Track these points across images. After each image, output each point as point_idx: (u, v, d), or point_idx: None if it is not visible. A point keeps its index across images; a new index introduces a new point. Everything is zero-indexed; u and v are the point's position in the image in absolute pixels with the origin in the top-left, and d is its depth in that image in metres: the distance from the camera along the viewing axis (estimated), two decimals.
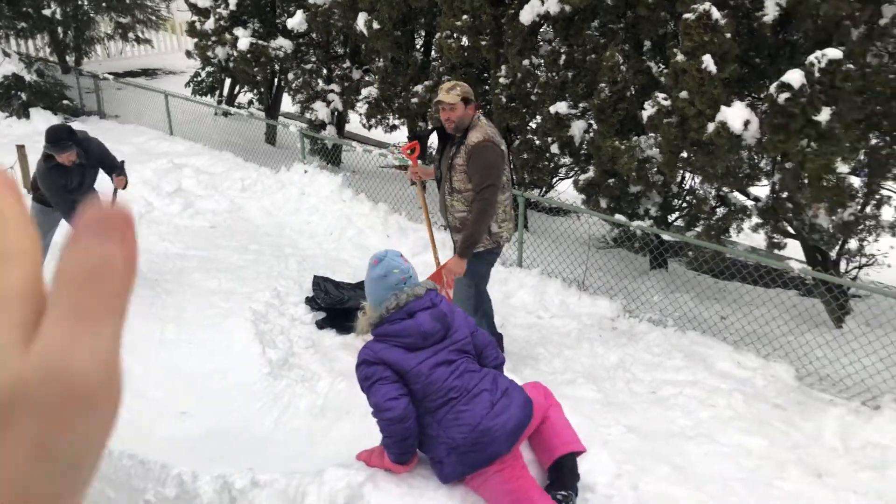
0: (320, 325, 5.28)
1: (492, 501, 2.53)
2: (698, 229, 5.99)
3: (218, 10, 9.48)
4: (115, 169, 5.32)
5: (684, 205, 6.59)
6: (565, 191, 8.20)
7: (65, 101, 11.13)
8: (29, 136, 9.55)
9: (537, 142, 7.04)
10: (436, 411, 2.58)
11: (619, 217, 5.84)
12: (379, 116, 8.67)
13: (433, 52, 8.38)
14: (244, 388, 4.36)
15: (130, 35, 13.57)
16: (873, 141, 5.28)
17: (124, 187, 5.37)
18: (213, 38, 9.73)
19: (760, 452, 3.93)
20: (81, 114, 11.37)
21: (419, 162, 4.81)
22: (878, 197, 5.36)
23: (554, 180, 7.93)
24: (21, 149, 7.06)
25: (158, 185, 7.64)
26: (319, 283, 5.70)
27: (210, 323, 5.10)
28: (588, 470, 2.76)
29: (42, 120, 10.49)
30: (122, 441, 3.70)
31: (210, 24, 9.66)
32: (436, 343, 2.68)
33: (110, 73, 11.37)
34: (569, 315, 5.57)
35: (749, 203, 6.01)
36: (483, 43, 7.08)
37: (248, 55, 9.13)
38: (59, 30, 12.32)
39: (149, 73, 15.04)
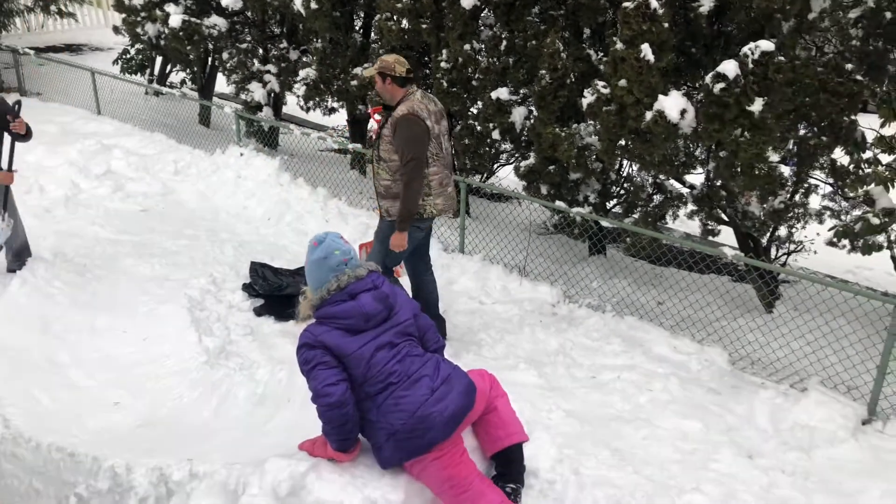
0: (258, 312, 5.16)
1: (432, 487, 2.52)
2: (636, 216, 6.11)
3: None
4: (9, 111, 4.90)
5: (622, 192, 6.71)
6: (506, 177, 8.24)
7: None
8: None
9: (478, 127, 7.04)
10: (375, 396, 2.54)
11: (559, 204, 5.89)
12: (317, 99, 8.51)
13: (373, 34, 8.27)
14: (181, 377, 4.22)
15: (52, 8, 12.88)
16: (802, 131, 5.48)
17: (25, 133, 4.98)
18: (143, 14, 9.35)
19: (696, 435, 4.04)
20: (1, 90, 10.78)
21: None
22: (806, 186, 5.56)
23: (495, 166, 7.96)
24: None
25: (86, 167, 7.32)
26: (257, 269, 5.57)
27: (144, 310, 4.92)
28: (531, 455, 2.79)
29: None
30: (51, 433, 3.56)
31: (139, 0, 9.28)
32: (377, 325, 2.65)
33: (31, 48, 10.80)
34: (510, 301, 5.61)
35: (685, 191, 6.15)
36: (424, 26, 7.02)
37: (181, 33, 8.80)
38: None
39: (73, 48, 14.36)
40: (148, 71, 11.47)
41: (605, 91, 5.62)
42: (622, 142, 5.70)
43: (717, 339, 5.18)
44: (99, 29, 15.37)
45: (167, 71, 11.44)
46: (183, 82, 10.83)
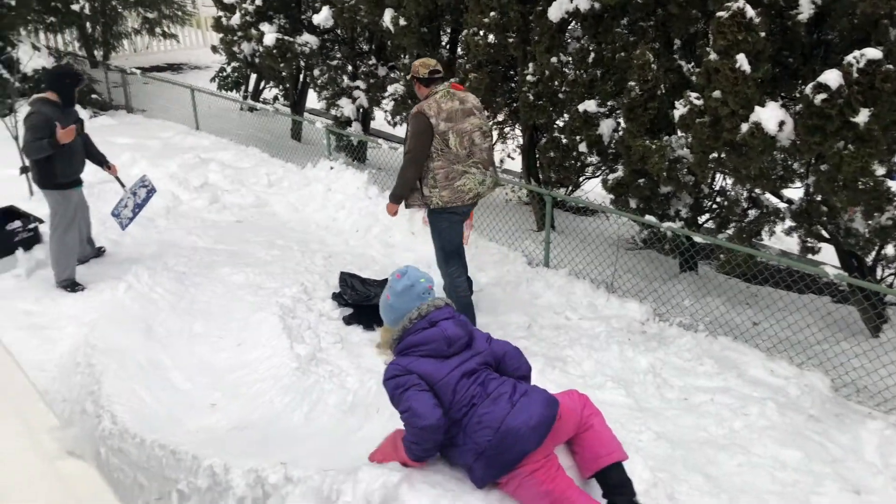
0: (347, 321, 5.27)
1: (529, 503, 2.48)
2: (730, 231, 5.91)
3: (244, 5, 9.52)
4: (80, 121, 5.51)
5: (715, 206, 6.50)
6: (592, 190, 8.14)
7: (93, 96, 11.22)
8: None
9: (564, 140, 6.98)
10: (460, 420, 2.54)
11: (649, 218, 5.77)
12: (404, 114, 8.65)
13: (459, 49, 8.35)
14: (273, 382, 4.35)
15: (157, 30, 13.68)
16: None
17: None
18: (239, 34, 9.76)
19: (796, 465, 3.85)
20: (109, 108, 11.46)
21: None
22: None
23: (581, 179, 7.87)
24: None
25: (185, 180, 7.68)
26: (346, 279, 5.69)
27: (238, 317, 5.11)
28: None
29: None
30: (154, 430, 3.72)
31: (236, 20, 9.70)
32: (460, 351, 2.67)
33: (137, 68, 11.46)
34: (597, 317, 5.51)
35: (782, 206, 5.91)
36: (510, 40, 7.04)
37: (274, 51, 9.14)
38: (88, 24, 12.43)
39: (175, 67, 15.15)
40: (243, 88, 11.95)
41: (699, 102, 5.47)
42: (716, 154, 5.53)
43: (818, 363, 4.93)
44: (198, 49, 16.16)
45: (261, 87, 11.90)
46: (276, 98, 11.22)
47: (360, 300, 5.45)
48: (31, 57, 9.91)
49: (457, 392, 2.55)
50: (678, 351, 5.06)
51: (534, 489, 2.41)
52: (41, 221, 6.19)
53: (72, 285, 5.44)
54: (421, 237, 6.68)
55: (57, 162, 5.29)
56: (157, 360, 4.56)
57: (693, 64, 6.04)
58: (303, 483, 2.59)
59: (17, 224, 6.08)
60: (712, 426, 4.22)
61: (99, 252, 6.03)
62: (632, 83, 6.08)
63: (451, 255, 5.02)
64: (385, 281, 5.79)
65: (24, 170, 6.91)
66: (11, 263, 5.71)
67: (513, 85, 7.81)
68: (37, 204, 6.72)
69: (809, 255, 5.82)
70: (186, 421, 4.01)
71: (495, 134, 9.75)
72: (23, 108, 9.48)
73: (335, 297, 5.54)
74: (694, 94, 5.53)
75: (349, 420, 3.74)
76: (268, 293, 5.43)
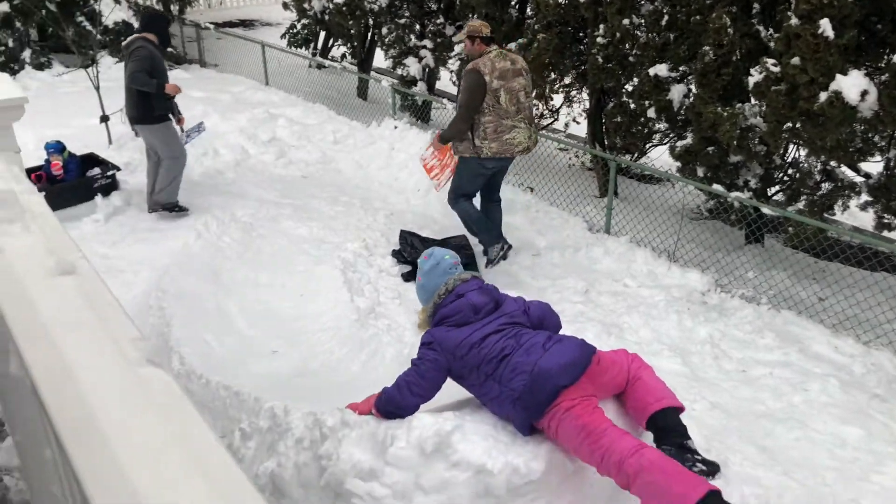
0: (406, 277, 5.36)
1: (570, 443, 2.44)
2: (800, 205, 5.72)
3: None
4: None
5: (786, 178, 6.30)
6: (658, 157, 7.97)
7: (169, 49, 11.50)
8: None
9: (632, 105, 6.84)
10: (494, 372, 2.61)
11: (716, 187, 5.63)
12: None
13: (528, 10, 8.22)
14: (332, 333, 4.48)
15: None
16: None
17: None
18: None
19: (857, 443, 3.77)
20: (184, 62, 11.75)
21: None
22: None
23: (647, 146, 7.71)
24: None
25: (254, 134, 7.85)
26: (406, 237, 5.77)
27: (301, 269, 5.26)
28: None
29: None
30: (219, 373, 3.90)
31: None
32: (486, 315, 2.81)
33: (211, 23, 11.67)
34: (657, 285, 5.45)
35: (858, 179, 5.68)
36: (581, 0, 6.89)
37: (344, 8, 9.18)
38: None
39: (246, 23, 15.38)
40: (312, 45, 12.05)
41: (776, 69, 5.28)
42: (790, 124, 5.34)
43: (887, 342, 4.77)
44: (269, 5, 16.31)
45: (329, 45, 11.98)
46: (343, 56, 11.29)
47: (418, 258, 5.51)
48: (112, 10, 10.21)
49: (483, 348, 2.67)
50: (739, 323, 4.97)
51: (571, 424, 2.42)
52: (119, 169, 6.45)
53: (178, 208, 5.96)
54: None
55: (154, 98, 5.71)
56: (224, 306, 4.75)
57: (772, 29, 5.81)
58: (359, 427, 2.69)
59: (96, 171, 6.35)
60: (770, 399, 4.16)
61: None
62: (706, 48, 5.89)
63: (461, 198, 5.51)
64: (445, 240, 5.84)
65: (104, 118, 7.20)
66: (91, 209, 5.99)
67: (582, 47, 7.66)
68: (115, 152, 7.01)
69: (885, 232, 5.61)
70: (249, 365, 4.18)
71: (561, 97, 9.62)
72: (104, 60, 9.82)
73: (395, 254, 5.64)
74: (771, 61, 5.33)
75: None
76: (330, 247, 5.56)
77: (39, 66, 10.39)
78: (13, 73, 9.97)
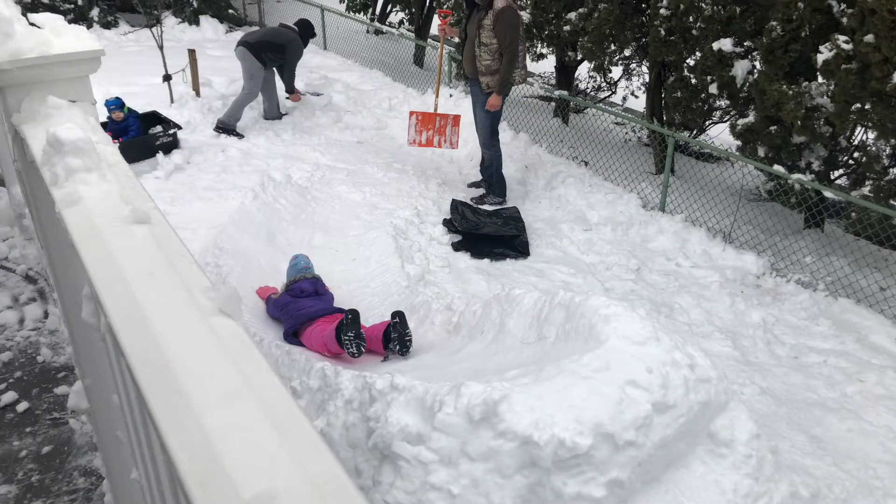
0: (456, 247, 5.38)
1: (315, 342, 3.96)
2: (865, 190, 5.53)
3: None
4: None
5: (852, 161, 6.08)
6: (717, 136, 7.78)
7: (230, 11, 11.64)
8: (199, 42, 10.12)
9: (693, 80, 6.67)
10: (289, 311, 4.22)
11: (777, 168, 5.47)
12: (527, 44, 8.47)
13: None
14: (383, 298, 4.54)
15: None
16: None
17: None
18: None
19: None
20: (244, 23, 11.86)
21: (448, 24, 6.44)
22: None
23: (706, 123, 7.52)
24: (192, 53, 7.47)
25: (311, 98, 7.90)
26: (458, 206, 5.78)
27: (354, 233, 5.32)
28: (725, 425, 2.69)
29: (210, 27, 11.05)
30: (271, 332, 3.99)
31: None
32: (308, 296, 4.24)
33: None
34: (711, 266, 5.36)
35: None
36: None
37: None
38: None
39: None
40: (370, 10, 12.03)
41: (847, 47, 5.07)
42: (860, 105, 5.14)
43: None
44: None
45: (388, 11, 11.94)
46: (401, 23, 11.25)
47: (469, 228, 5.53)
48: None
49: (296, 303, 4.23)
50: (793, 308, 4.87)
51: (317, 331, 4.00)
52: (180, 128, 6.60)
53: (234, 132, 6.91)
54: (533, 171, 6.65)
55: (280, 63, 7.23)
56: (278, 266, 4.85)
57: (845, 4, 5.57)
58: (407, 392, 2.73)
59: (158, 128, 6.50)
60: (822, 388, 4.08)
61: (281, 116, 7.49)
62: (773, 22, 5.69)
63: (496, 136, 6.00)
64: (497, 211, 5.84)
65: (166, 77, 7.34)
66: (152, 165, 6.15)
67: (644, 19, 7.47)
68: (176, 111, 7.15)
69: None
70: None
71: (619, 70, 9.43)
72: (168, 20, 9.97)
73: (446, 223, 5.65)
74: (843, 38, 5.12)
75: (453, 339, 3.86)
76: (382, 213, 5.60)
77: (106, 25, 10.63)
78: None
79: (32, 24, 1.62)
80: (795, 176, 5.37)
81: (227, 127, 6.91)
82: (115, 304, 0.98)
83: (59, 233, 1.20)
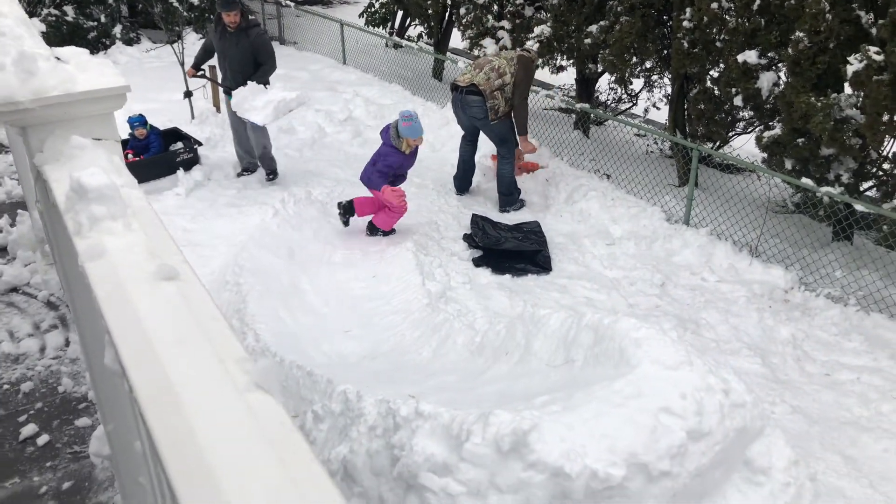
0: (476, 262, 5.32)
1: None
2: None
3: None
4: (259, 73, 6.06)
5: (881, 173, 5.95)
6: (741, 147, 7.67)
7: None
8: None
9: (717, 92, 6.58)
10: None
11: (805, 181, 5.37)
12: (547, 56, 8.43)
13: None
14: (404, 316, 4.50)
15: None
16: None
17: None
18: None
19: None
20: None
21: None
22: None
23: (730, 135, 7.42)
24: (213, 70, 7.50)
25: (331, 112, 7.91)
26: (478, 221, 5.73)
27: (374, 250, 5.29)
28: (761, 452, 2.62)
29: None
30: (293, 351, 3.96)
31: None
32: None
33: (291, 1, 11.78)
34: (737, 281, 5.26)
35: None
36: None
37: None
38: None
39: (325, 2, 15.48)
40: (389, 24, 12.05)
41: (878, 58, 4.98)
42: (890, 116, 5.04)
43: None
44: None
45: (406, 25, 11.95)
46: (420, 36, 11.24)
47: (490, 244, 5.48)
48: None
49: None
50: (824, 324, 4.76)
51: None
52: (201, 144, 6.61)
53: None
54: (554, 185, 6.59)
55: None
56: (298, 283, 4.82)
57: (874, 14, 5.46)
58: (432, 419, 2.68)
59: (179, 145, 6.53)
60: (856, 406, 3.98)
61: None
62: (800, 34, 5.60)
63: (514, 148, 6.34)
64: (517, 225, 5.78)
65: (187, 94, 7.38)
66: (173, 182, 6.17)
67: (666, 30, 7.40)
68: (197, 127, 7.18)
69: None
70: (321, 344, 4.23)
71: (641, 81, 9.36)
72: (189, 36, 10.05)
73: (466, 238, 5.61)
74: (873, 49, 5.02)
75: (476, 360, 3.81)
76: (403, 228, 5.57)
77: (129, 42, 10.74)
78: (105, 47, 10.34)
79: (58, 58, 1.60)
80: (825, 189, 5.27)
81: (274, 169, 6.40)
82: (142, 379, 0.92)
83: (83, 287, 1.17)
